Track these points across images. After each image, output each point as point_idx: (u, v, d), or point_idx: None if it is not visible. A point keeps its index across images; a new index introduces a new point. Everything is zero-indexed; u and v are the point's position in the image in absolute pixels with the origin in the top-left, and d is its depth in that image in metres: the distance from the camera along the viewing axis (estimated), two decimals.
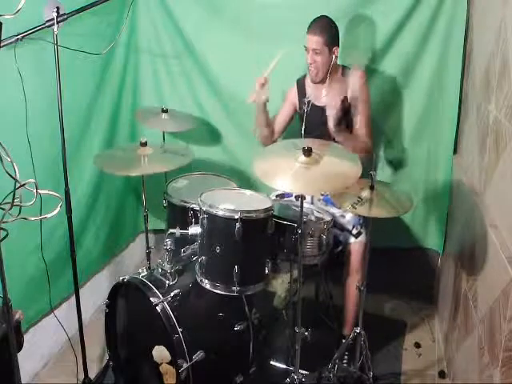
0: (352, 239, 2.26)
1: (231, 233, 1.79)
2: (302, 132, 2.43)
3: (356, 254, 2.26)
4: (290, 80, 2.56)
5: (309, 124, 2.42)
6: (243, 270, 1.83)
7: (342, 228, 2.26)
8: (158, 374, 1.89)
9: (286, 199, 2.43)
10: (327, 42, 2.25)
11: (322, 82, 2.36)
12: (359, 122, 2.37)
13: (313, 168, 1.71)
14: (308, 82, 2.48)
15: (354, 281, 2.27)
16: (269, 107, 2.69)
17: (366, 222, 2.28)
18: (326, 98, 2.39)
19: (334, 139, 2.36)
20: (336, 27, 2.31)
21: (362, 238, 2.26)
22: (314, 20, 2.28)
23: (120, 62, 2.80)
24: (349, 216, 2.28)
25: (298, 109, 2.53)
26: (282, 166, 1.75)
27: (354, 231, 2.26)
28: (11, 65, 1.83)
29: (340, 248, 2.27)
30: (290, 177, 1.70)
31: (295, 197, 2.42)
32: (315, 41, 2.24)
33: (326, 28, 2.26)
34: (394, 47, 2.59)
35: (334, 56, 2.30)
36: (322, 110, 2.39)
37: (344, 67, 2.41)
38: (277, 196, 2.46)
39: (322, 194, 2.38)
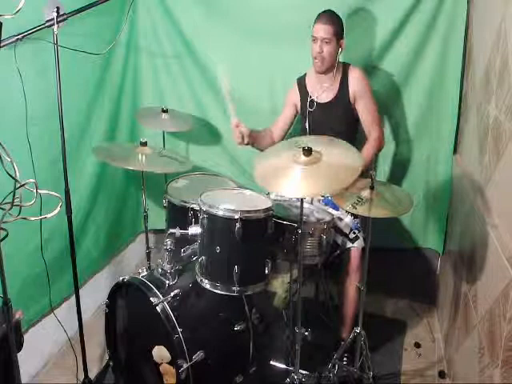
0: (349, 244, 2.25)
1: (231, 233, 1.79)
2: (307, 130, 2.43)
3: (353, 258, 2.26)
4: (290, 80, 2.56)
5: (313, 122, 2.43)
6: (243, 270, 1.83)
7: (340, 232, 2.25)
8: (158, 373, 1.89)
9: (286, 198, 2.43)
10: (336, 32, 2.27)
11: (326, 72, 2.36)
12: (366, 115, 2.38)
13: (313, 168, 1.69)
14: (309, 80, 2.48)
15: (352, 284, 2.27)
16: (269, 108, 2.72)
17: (363, 226, 2.28)
18: (328, 95, 2.39)
19: (335, 133, 2.36)
20: (342, 21, 2.33)
21: (358, 242, 2.25)
22: (322, 12, 2.29)
23: (120, 62, 2.80)
24: (347, 219, 2.27)
25: (299, 109, 2.53)
26: (282, 170, 1.71)
27: (351, 235, 2.25)
28: (11, 65, 1.83)
29: (338, 252, 2.27)
30: (289, 181, 1.67)
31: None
32: (325, 29, 2.25)
33: (334, 19, 2.29)
34: (394, 47, 2.59)
35: (340, 49, 2.31)
36: (325, 106, 2.39)
37: (344, 65, 2.41)
38: (277, 194, 2.46)
39: (323, 196, 2.39)
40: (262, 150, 2.56)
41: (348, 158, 1.75)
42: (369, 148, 2.33)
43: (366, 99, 2.37)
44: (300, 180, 1.67)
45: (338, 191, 1.86)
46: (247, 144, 2.37)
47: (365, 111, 2.38)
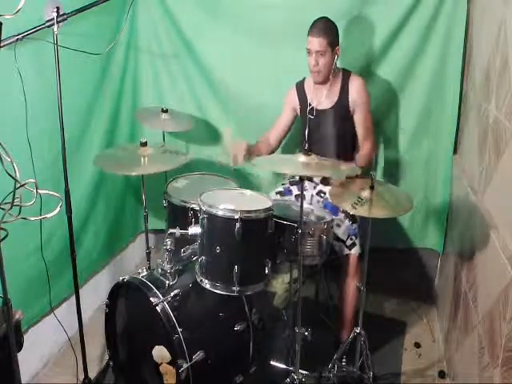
0: (346, 250, 2.26)
1: (231, 233, 1.79)
2: (306, 136, 2.42)
3: (351, 264, 2.27)
4: (291, 77, 2.56)
5: (312, 128, 2.43)
6: (243, 270, 1.83)
7: (337, 238, 2.25)
8: (158, 373, 1.89)
9: (286, 198, 2.43)
10: (330, 42, 2.25)
11: (324, 82, 2.36)
12: (360, 128, 2.39)
13: (312, 163, 1.78)
14: (308, 86, 2.48)
15: (350, 286, 2.28)
16: (268, 106, 2.71)
17: (360, 231, 2.28)
18: (328, 101, 2.39)
19: (333, 139, 2.38)
20: (336, 27, 2.31)
21: (355, 249, 2.26)
22: (315, 22, 2.27)
23: (120, 62, 2.80)
24: (345, 225, 2.27)
25: (298, 113, 2.53)
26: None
27: (349, 242, 2.25)
28: (11, 65, 1.83)
29: (336, 257, 2.28)
30: (293, 163, 1.77)
31: (295, 195, 2.43)
32: (318, 42, 2.23)
33: (328, 29, 2.26)
34: (394, 47, 2.59)
35: (336, 56, 2.30)
36: (325, 113, 2.39)
37: (344, 70, 2.41)
38: (277, 193, 2.47)
39: (322, 197, 2.39)
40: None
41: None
42: (359, 160, 2.35)
43: (362, 112, 2.37)
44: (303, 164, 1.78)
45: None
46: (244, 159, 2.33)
47: (360, 124, 2.39)
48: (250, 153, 2.35)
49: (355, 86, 2.36)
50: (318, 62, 2.27)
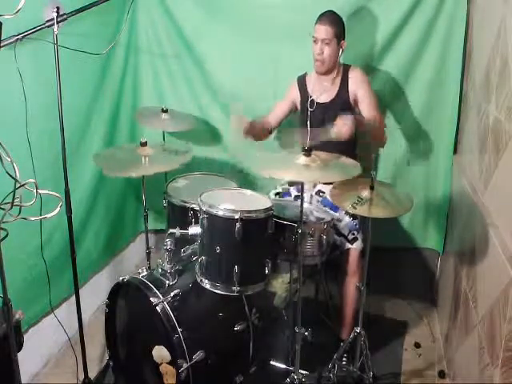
0: (347, 245, 2.26)
1: (231, 233, 1.79)
2: (308, 129, 2.42)
3: (352, 260, 2.26)
4: (291, 78, 2.55)
5: (312, 122, 2.43)
6: (243, 270, 1.83)
7: (339, 233, 2.26)
8: (158, 373, 1.89)
9: (285, 198, 2.43)
10: (337, 33, 2.26)
11: (326, 73, 2.36)
12: (364, 102, 2.33)
13: (313, 165, 1.76)
14: (309, 80, 2.48)
15: (351, 284, 2.28)
16: (269, 107, 2.71)
17: (362, 227, 2.28)
18: (328, 95, 2.39)
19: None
20: (343, 22, 2.32)
21: (356, 244, 2.26)
22: (324, 13, 2.29)
23: (120, 62, 2.80)
24: (345, 221, 2.27)
25: (298, 107, 2.53)
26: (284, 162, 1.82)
27: (350, 237, 2.25)
28: (11, 65, 1.83)
29: (337, 252, 2.28)
30: (291, 168, 1.75)
31: (294, 197, 2.43)
32: (325, 30, 2.24)
33: (335, 20, 2.28)
34: (394, 47, 2.59)
35: (341, 49, 2.31)
36: (325, 107, 2.39)
37: (345, 66, 2.41)
38: (276, 194, 2.46)
39: (321, 196, 2.39)
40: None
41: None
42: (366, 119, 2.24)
43: (363, 91, 2.33)
44: (302, 168, 1.75)
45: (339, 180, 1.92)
46: (246, 135, 2.33)
47: (363, 100, 2.33)
48: (253, 129, 2.34)
49: (353, 75, 2.36)
50: (322, 50, 2.27)
